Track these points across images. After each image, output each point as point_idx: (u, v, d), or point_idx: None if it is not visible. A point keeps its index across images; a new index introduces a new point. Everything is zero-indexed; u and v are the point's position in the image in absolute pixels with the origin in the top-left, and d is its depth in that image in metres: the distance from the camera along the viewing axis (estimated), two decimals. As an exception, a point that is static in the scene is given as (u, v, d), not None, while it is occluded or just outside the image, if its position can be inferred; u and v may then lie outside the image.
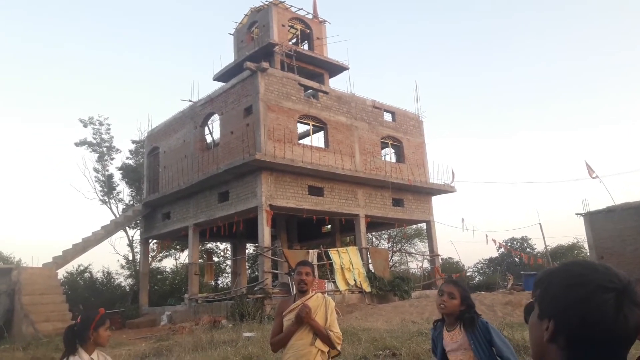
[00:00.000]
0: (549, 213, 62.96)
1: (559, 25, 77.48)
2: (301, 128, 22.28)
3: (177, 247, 32.37)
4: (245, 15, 25.64)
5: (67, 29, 73.00)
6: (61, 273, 25.36)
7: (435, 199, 25.45)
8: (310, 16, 25.50)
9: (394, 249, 34.45)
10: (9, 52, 64.12)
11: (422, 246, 35.66)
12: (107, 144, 32.46)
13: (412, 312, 15.52)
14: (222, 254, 34.11)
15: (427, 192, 24.75)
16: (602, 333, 1.04)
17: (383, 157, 23.97)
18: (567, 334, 1.07)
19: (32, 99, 68.07)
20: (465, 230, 24.05)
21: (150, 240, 27.02)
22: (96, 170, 32.16)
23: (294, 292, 4.22)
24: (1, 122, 64.91)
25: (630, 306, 1.04)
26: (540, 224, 23.26)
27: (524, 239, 41.36)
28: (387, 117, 24.39)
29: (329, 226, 27.05)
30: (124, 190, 32.99)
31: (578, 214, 22.26)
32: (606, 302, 1.04)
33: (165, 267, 34.39)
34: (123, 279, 32.43)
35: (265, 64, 19.97)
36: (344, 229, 26.09)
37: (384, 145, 24.13)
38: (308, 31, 25.51)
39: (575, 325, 1.06)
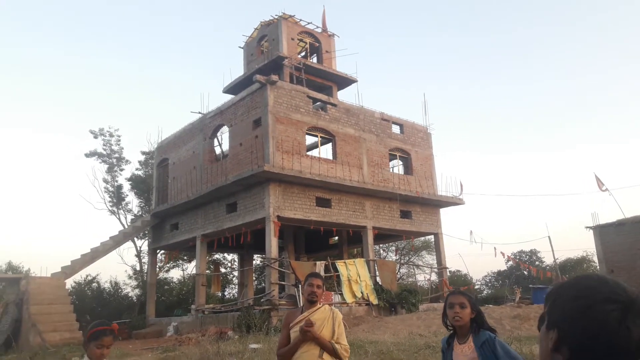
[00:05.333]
0: (558, 226, 62.44)
1: (571, 40, 77.51)
2: (309, 140, 22.37)
3: (185, 257, 32.44)
4: (255, 29, 25.92)
5: (78, 39, 74.04)
6: (69, 283, 25.52)
7: (443, 211, 25.36)
8: (319, 30, 25.72)
9: (402, 261, 34.30)
10: (19, 61, 65.12)
11: (430, 258, 35.47)
12: (116, 155, 32.76)
13: (419, 325, 15.42)
14: (229, 265, 34.15)
15: (435, 204, 24.68)
16: (603, 345, 1.04)
17: (391, 169, 23.97)
18: (570, 343, 1.08)
19: (43, 109, 68.93)
20: (474, 243, 23.88)
21: (158, 251, 27.10)
22: (106, 181, 32.45)
23: (302, 304, 4.23)
24: (13, 132, 65.71)
25: (635, 320, 1.04)
26: (549, 237, 23.06)
27: (533, 252, 41.07)
28: (395, 129, 24.43)
29: (337, 238, 27.00)
30: (132, 201, 33.25)
31: (587, 227, 22.07)
32: (609, 314, 1.04)
33: (173, 277, 34.49)
34: (130, 290, 32.55)
35: (274, 77, 20.13)
36: (351, 240, 26.04)
37: (392, 157, 24.14)
38: (317, 44, 25.71)
39: (577, 335, 1.07)
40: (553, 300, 1.17)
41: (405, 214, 23.45)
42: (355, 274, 19.89)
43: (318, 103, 21.95)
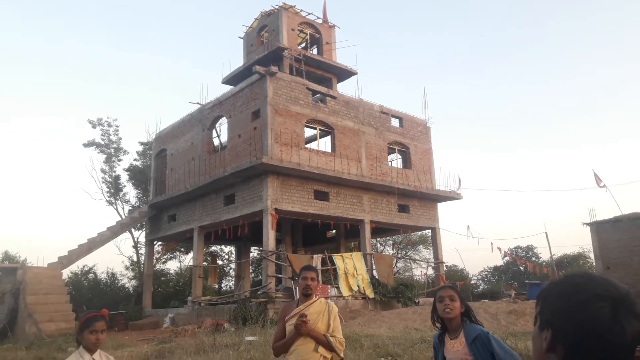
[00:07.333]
0: (555, 222, 62.62)
1: (572, 38, 77.31)
2: (308, 132, 22.28)
3: (182, 249, 32.41)
4: (255, 19, 25.73)
5: (78, 29, 73.63)
6: (66, 273, 25.50)
7: (441, 206, 25.36)
8: (319, 21, 25.55)
9: (399, 255, 34.32)
10: (18, 49, 64.75)
11: (426, 253, 35.54)
12: (115, 146, 32.62)
13: (415, 319, 15.44)
14: (226, 257, 34.16)
15: (433, 198, 24.65)
16: (597, 342, 1.03)
17: (389, 163, 23.91)
18: (564, 342, 1.07)
19: (41, 97, 68.62)
20: (471, 238, 23.92)
21: (155, 242, 27.05)
22: (103, 172, 32.32)
23: (298, 297, 4.20)
24: (11, 121, 65.43)
25: (627, 316, 1.04)
26: (546, 232, 23.15)
27: (530, 248, 41.17)
28: (395, 122, 24.35)
29: (334, 231, 27.00)
30: (130, 192, 33.14)
31: (584, 224, 22.08)
32: (600, 311, 1.04)
33: (170, 269, 34.49)
34: (127, 280, 32.55)
35: (274, 68, 20.01)
36: (348, 234, 26.04)
37: (391, 151, 24.07)
38: (317, 36, 25.55)
39: (571, 333, 1.06)
40: (544, 300, 1.16)
41: (403, 208, 23.42)
42: (352, 267, 19.89)
43: (317, 95, 21.84)
